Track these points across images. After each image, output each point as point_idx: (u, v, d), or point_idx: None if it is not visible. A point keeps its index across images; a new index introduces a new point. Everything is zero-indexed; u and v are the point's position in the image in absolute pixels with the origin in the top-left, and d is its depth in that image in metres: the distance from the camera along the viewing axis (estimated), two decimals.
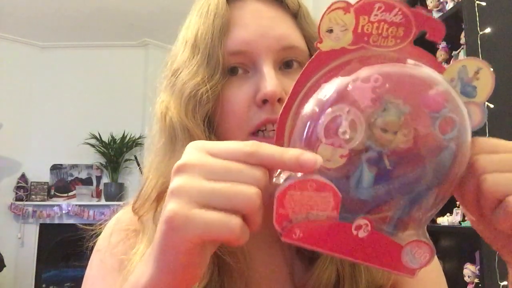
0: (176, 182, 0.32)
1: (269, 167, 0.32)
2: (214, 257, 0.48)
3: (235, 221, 0.30)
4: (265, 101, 0.47)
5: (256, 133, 0.48)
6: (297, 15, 0.53)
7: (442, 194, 0.32)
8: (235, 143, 0.33)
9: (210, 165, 0.31)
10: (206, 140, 0.47)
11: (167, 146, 0.50)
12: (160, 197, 0.49)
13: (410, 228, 0.32)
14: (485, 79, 0.31)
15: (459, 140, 0.31)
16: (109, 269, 0.53)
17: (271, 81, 0.46)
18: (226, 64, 0.49)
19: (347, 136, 0.30)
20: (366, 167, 0.30)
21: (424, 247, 0.32)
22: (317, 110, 0.31)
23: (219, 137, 0.49)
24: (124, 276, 0.50)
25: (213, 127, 0.50)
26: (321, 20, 0.32)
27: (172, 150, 0.50)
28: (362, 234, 0.31)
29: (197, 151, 0.33)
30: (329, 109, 0.30)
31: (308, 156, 0.30)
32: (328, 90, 0.31)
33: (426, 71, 0.31)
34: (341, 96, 0.30)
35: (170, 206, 0.31)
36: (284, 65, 0.50)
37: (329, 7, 0.31)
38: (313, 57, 0.33)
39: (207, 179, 0.31)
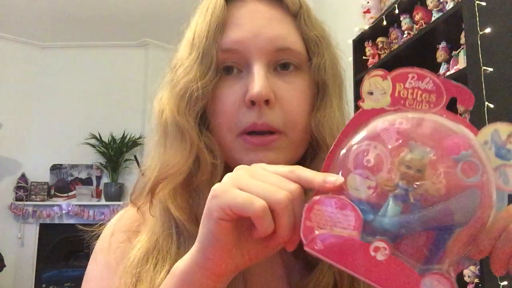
0: (229, 174, 0.38)
1: (305, 185, 0.36)
2: None
3: (259, 203, 0.34)
4: (253, 102, 0.47)
5: (245, 135, 0.48)
6: (297, 16, 0.52)
7: (467, 237, 0.32)
8: (281, 166, 0.38)
9: (256, 170, 0.38)
10: (197, 136, 0.49)
11: (160, 141, 0.52)
12: (153, 190, 0.50)
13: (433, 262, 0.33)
14: None
15: (483, 187, 0.32)
16: (108, 270, 0.53)
17: (258, 82, 0.46)
18: (220, 62, 0.49)
19: (371, 164, 0.33)
20: (392, 201, 0.32)
21: (444, 282, 0.32)
22: (351, 146, 0.35)
23: (212, 135, 0.50)
24: (124, 267, 0.50)
25: (206, 125, 0.50)
26: (362, 83, 0.36)
27: (164, 145, 0.51)
28: (380, 257, 0.32)
29: (253, 165, 0.39)
30: (359, 144, 0.35)
31: (331, 176, 0.35)
32: (362, 132, 0.35)
33: (460, 127, 0.34)
34: (371, 135, 0.34)
35: (218, 184, 0.37)
36: (281, 66, 0.50)
37: (369, 73, 0.36)
38: (356, 113, 0.37)
39: (251, 176, 0.37)
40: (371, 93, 0.36)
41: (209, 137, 0.50)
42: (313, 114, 0.51)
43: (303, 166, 0.51)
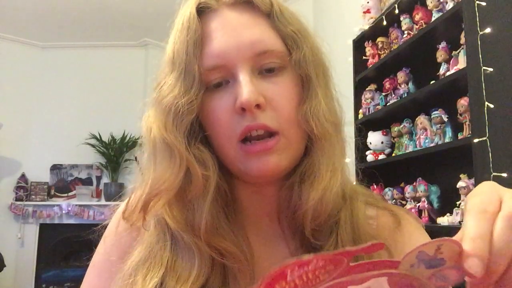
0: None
1: None
2: (215, 258, 0.48)
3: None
4: (243, 109, 0.47)
5: (244, 141, 0.49)
6: (270, 15, 0.52)
7: None
8: None
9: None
10: (186, 151, 0.49)
11: (150, 158, 0.52)
12: (146, 207, 0.50)
13: None
14: (450, 250, 0.30)
15: None
16: (111, 262, 0.54)
17: (245, 88, 0.47)
18: (205, 79, 0.50)
19: None
20: None
21: None
22: None
23: (211, 147, 0.51)
24: (117, 278, 0.51)
25: (197, 137, 0.51)
26: None
27: (153, 162, 0.51)
28: None
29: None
30: None
31: None
32: None
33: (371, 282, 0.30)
34: None
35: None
36: (265, 70, 0.50)
37: None
38: None
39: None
40: None
41: (200, 149, 0.50)
42: (301, 107, 0.51)
43: (303, 161, 0.51)
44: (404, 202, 2.12)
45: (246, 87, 0.47)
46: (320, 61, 0.54)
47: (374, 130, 2.33)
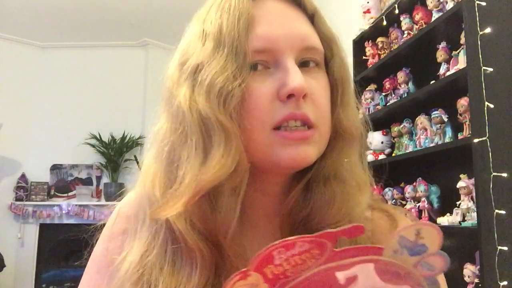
0: None
1: None
2: (211, 252, 0.47)
3: None
4: (290, 96, 0.47)
5: (278, 128, 0.47)
6: (313, 17, 0.53)
7: None
8: None
9: None
10: (239, 136, 0.46)
11: (200, 143, 0.47)
12: (194, 197, 0.45)
13: None
14: (430, 235, 0.31)
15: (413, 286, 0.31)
16: (105, 263, 0.54)
17: (296, 76, 0.47)
18: (250, 60, 0.48)
19: None
20: None
21: None
22: None
23: (242, 132, 0.47)
24: (110, 274, 0.50)
25: (237, 122, 0.47)
26: None
27: (209, 146, 0.46)
28: None
29: None
30: None
31: None
32: None
33: (358, 266, 0.31)
34: None
35: None
36: (301, 63, 0.50)
37: (228, 282, 0.30)
38: None
39: None
40: None
41: (243, 138, 0.47)
42: (340, 108, 0.52)
43: (323, 156, 0.51)
44: (404, 202, 2.12)
45: (297, 74, 0.47)
46: (348, 71, 0.56)
47: (374, 130, 2.33)
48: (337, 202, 0.50)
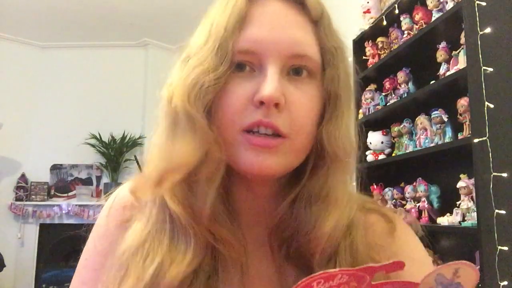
0: None
1: None
2: (208, 243, 0.48)
3: None
4: (262, 103, 0.46)
5: (248, 132, 0.47)
6: (317, 23, 0.52)
7: None
8: None
9: None
10: (208, 128, 0.47)
11: (169, 130, 0.50)
12: (161, 180, 0.48)
13: None
14: (467, 274, 0.31)
15: None
16: (102, 255, 0.54)
17: (271, 84, 0.46)
18: (234, 58, 0.48)
19: None
20: None
21: None
22: None
23: (216, 128, 0.49)
24: (112, 259, 0.50)
25: (212, 118, 0.49)
26: None
27: (174, 135, 0.49)
28: None
29: None
30: None
31: None
32: None
33: None
34: None
35: None
36: (293, 71, 0.49)
37: None
38: None
39: None
40: None
41: (215, 132, 0.48)
42: (325, 125, 0.50)
43: (303, 172, 0.51)
44: (404, 202, 2.12)
45: (272, 83, 0.46)
46: (350, 83, 0.54)
47: (374, 130, 2.33)
48: (321, 226, 0.48)
